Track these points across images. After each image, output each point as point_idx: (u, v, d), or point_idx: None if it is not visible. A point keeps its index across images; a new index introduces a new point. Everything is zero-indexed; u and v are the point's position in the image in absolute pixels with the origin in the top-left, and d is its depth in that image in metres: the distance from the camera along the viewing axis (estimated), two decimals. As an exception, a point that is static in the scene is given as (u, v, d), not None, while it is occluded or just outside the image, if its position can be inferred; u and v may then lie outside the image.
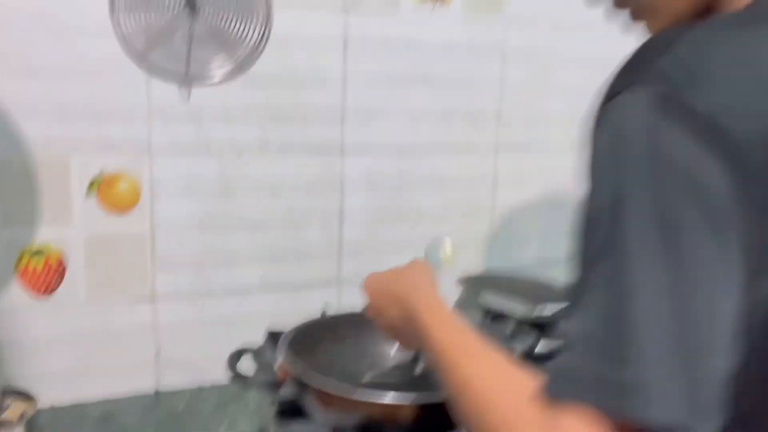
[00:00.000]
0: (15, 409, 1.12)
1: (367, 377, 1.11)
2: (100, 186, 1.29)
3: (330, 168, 1.46)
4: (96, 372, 1.34)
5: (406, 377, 1.13)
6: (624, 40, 1.65)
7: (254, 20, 1.32)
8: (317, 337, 1.10)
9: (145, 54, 1.25)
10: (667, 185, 0.41)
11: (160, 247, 1.35)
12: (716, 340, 0.42)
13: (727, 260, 0.42)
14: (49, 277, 1.28)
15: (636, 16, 0.64)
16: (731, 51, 0.44)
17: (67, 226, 1.27)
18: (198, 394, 1.39)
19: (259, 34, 1.32)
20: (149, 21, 1.25)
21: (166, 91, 1.29)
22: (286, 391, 1.00)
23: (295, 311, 1.48)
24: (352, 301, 1.53)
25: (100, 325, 1.33)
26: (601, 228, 0.44)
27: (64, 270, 1.28)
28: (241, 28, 1.31)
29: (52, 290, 1.29)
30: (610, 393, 0.42)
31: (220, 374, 1.44)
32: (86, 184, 1.28)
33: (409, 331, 0.79)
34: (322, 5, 1.38)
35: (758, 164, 0.42)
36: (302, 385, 0.93)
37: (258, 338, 1.42)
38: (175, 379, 1.40)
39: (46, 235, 1.26)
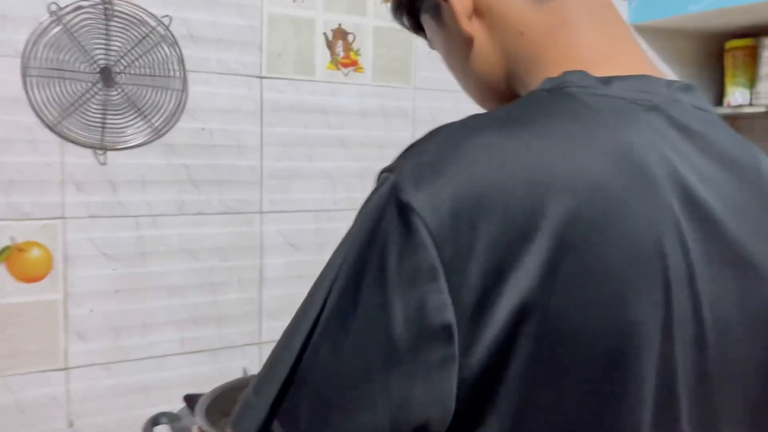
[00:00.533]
0: None
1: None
2: (10, 255, 1.26)
3: (249, 230, 1.49)
4: (3, 448, 1.28)
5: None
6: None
7: (170, 88, 1.36)
8: (234, 399, 1.10)
9: (59, 122, 1.26)
10: (369, 264, 0.45)
11: (74, 315, 1.33)
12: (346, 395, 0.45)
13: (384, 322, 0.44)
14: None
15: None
16: (460, 161, 0.46)
17: (-25, 296, 1.24)
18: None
19: (175, 101, 1.36)
20: (63, 90, 1.26)
21: (80, 158, 1.30)
22: (205, 457, 1.00)
23: (215, 374, 1.48)
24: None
25: (9, 398, 1.28)
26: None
27: (-30, 342, 1.24)
28: (158, 96, 1.35)
29: (-43, 364, 1.24)
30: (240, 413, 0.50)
31: (136, 442, 1.41)
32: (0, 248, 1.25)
33: None
34: (238, 71, 1.43)
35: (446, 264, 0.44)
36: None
37: (176, 403, 1.40)
38: (89, 451, 1.36)
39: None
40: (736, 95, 1.83)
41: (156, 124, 1.35)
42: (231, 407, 1.08)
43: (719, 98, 1.92)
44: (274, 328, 1.54)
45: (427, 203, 0.44)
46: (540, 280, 0.43)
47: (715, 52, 1.91)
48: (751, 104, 1.80)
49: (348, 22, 1.54)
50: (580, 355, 0.44)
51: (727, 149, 0.53)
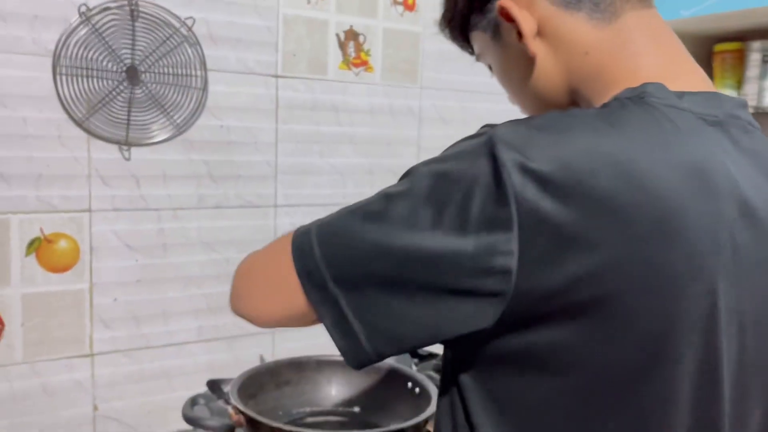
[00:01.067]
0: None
1: (309, 419, 1.19)
2: (40, 246, 1.32)
3: (264, 223, 1.55)
4: (34, 430, 1.34)
5: (346, 417, 1.22)
6: None
7: (192, 86, 1.41)
8: (262, 383, 1.17)
9: (87, 118, 1.31)
10: (452, 198, 0.52)
11: (98, 304, 1.38)
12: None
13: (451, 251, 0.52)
14: (-16, 336, 1.28)
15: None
16: (552, 144, 0.52)
17: (6, 286, 1.29)
18: (136, 447, 1.41)
19: (196, 99, 1.42)
20: (91, 87, 1.31)
21: (106, 153, 1.36)
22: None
23: (231, 360, 1.55)
24: (287, 347, 1.61)
25: (37, 384, 1.34)
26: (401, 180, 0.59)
27: (2, 329, 1.29)
28: (180, 94, 1.40)
29: (-13, 350, 1.29)
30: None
31: (157, 427, 1.48)
32: (26, 244, 1.30)
33: None
34: (255, 70, 1.49)
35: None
36: (255, 428, 1.00)
37: (195, 389, 1.46)
38: (112, 434, 1.42)
39: (-16, 294, 1.27)
40: (724, 96, 1.92)
41: (178, 121, 1.41)
42: (257, 391, 1.15)
43: (707, 99, 2.00)
44: (287, 317, 1.60)
45: (518, 165, 0.50)
46: (600, 261, 0.49)
47: (705, 55, 2.00)
48: (737, 105, 1.89)
49: (359, 24, 1.60)
50: (627, 330, 0.51)
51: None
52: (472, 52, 0.76)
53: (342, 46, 1.59)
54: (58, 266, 1.34)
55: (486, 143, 0.52)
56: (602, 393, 0.53)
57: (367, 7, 1.61)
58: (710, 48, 1.96)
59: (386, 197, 0.56)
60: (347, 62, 1.60)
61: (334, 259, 0.58)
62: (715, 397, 0.56)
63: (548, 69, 0.65)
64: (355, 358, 0.58)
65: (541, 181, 0.50)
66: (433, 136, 1.75)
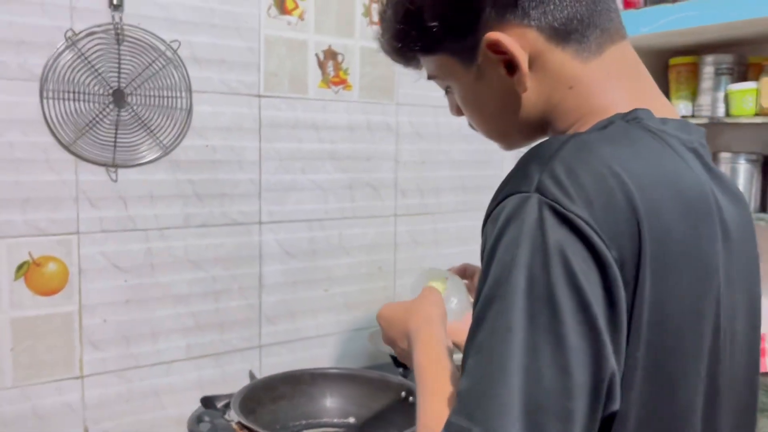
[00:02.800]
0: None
1: (305, 431, 1.23)
2: (29, 269, 1.32)
3: (248, 240, 1.58)
4: (23, 456, 1.33)
5: (342, 428, 1.25)
6: None
7: (177, 107, 1.44)
8: (259, 398, 1.20)
9: (74, 141, 1.32)
10: (552, 270, 0.49)
11: (88, 325, 1.39)
12: (567, 409, 0.48)
13: (589, 337, 0.49)
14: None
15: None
16: (594, 170, 0.53)
17: (-5, 310, 1.29)
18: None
19: (182, 119, 1.44)
20: (77, 110, 1.33)
21: (93, 175, 1.37)
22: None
23: (219, 377, 1.57)
24: (272, 362, 1.63)
25: (28, 408, 1.33)
26: (493, 296, 0.52)
27: (-9, 354, 1.29)
28: (166, 115, 1.42)
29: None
30: None
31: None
32: (14, 268, 1.30)
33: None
34: (238, 90, 1.52)
35: (614, 264, 0.52)
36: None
37: (186, 406, 1.48)
38: (104, 455, 1.42)
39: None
40: (680, 107, 2.03)
41: (164, 142, 1.42)
42: (255, 406, 1.18)
43: (665, 110, 2.11)
44: (272, 332, 1.63)
45: (585, 211, 0.50)
46: (650, 282, 0.53)
47: (661, 68, 2.10)
48: (693, 116, 2.00)
49: (337, 44, 1.65)
50: (676, 326, 0.55)
51: (726, 182, 0.66)
52: (412, 67, 0.74)
53: (321, 65, 1.63)
54: (47, 289, 1.34)
55: (540, 208, 0.53)
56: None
57: (345, 27, 1.66)
58: (666, 61, 2.07)
59: None
60: (326, 81, 1.64)
61: None
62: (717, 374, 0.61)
63: (530, 102, 0.66)
64: None
65: (608, 218, 0.52)
66: (409, 151, 1.80)
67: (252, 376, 1.41)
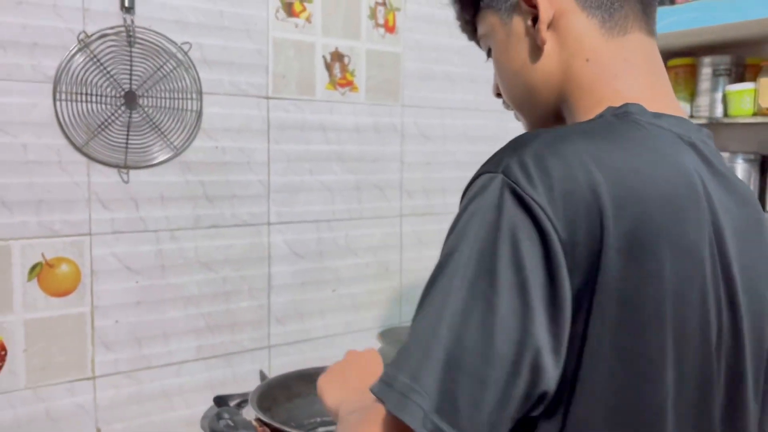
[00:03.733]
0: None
1: (320, 428, 1.24)
2: (41, 271, 1.32)
3: (258, 241, 1.59)
4: (37, 457, 1.33)
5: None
6: (501, 118, 1.99)
7: (188, 109, 1.45)
8: (275, 396, 1.20)
9: (86, 143, 1.33)
10: (500, 245, 0.53)
11: (100, 326, 1.39)
12: (483, 374, 0.51)
13: (520, 312, 0.52)
14: (-14, 363, 1.28)
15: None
16: (562, 160, 0.55)
17: (9, 312, 1.29)
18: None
19: (192, 121, 1.45)
20: (90, 112, 1.33)
21: (105, 176, 1.37)
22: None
23: (229, 377, 1.57)
24: (282, 362, 1.64)
25: (41, 409, 1.34)
26: (443, 262, 0.56)
27: (5, 356, 1.29)
28: (176, 117, 1.43)
29: (-12, 378, 1.28)
30: (393, 394, 0.54)
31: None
32: (27, 269, 1.31)
33: None
34: (247, 92, 1.53)
35: (560, 249, 0.54)
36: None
37: (197, 407, 1.48)
38: (116, 456, 1.42)
39: (-15, 322, 1.27)
40: (679, 108, 2.06)
41: (175, 144, 1.43)
42: (271, 404, 1.18)
43: (663, 111, 2.14)
44: (282, 333, 1.64)
45: (544, 196, 0.53)
46: (619, 267, 0.54)
47: (659, 70, 2.14)
48: (692, 116, 2.03)
49: (344, 46, 1.66)
50: (645, 319, 0.56)
51: (734, 182, 0.68)
52: (470, 32, 0.79)
53: (328, 67, 1.64)
54: (59, 290, 1.34)
55: (502, 188, 0.56)
56: None
57: (351, 29, 1.68)
58: (664, 63, 2.10)
59: None
60: (333, 83, 1.66)
61: None
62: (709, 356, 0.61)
63: (549, 64, 0.69)
64: None
65: (565, 206, 0.54)
66: (415, 152, 1.82)
67: (263, 376, 1.41)
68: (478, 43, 0.81)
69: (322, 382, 0.88)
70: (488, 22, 0.74)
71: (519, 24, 0.70)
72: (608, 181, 0.55)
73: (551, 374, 0.54)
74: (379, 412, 0.55)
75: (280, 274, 1.63)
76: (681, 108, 0.70)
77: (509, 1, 0.71)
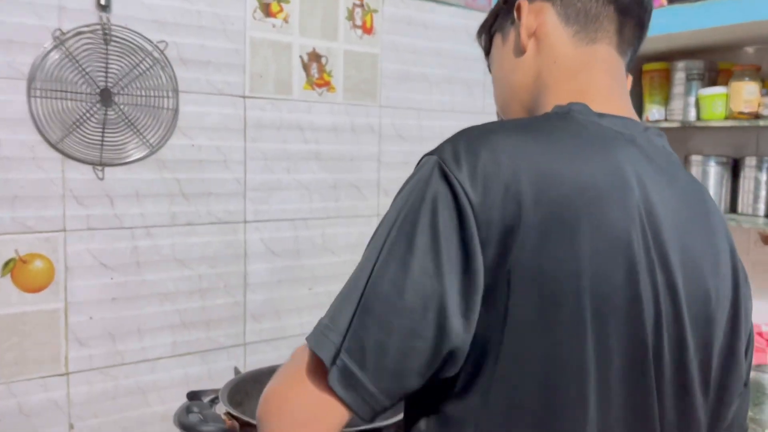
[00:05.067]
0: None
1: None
2: (15, 266, 1.32)
3: (234, 238, 1.60)
4: (9, 452, 1.33)
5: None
6: (477, 119, 2.02)
7: (164, 107, 1.46)
8: (247, 391, 1.22)
9: (61, 140, 1.34)
10: (421, 213, 0.60)
11: (74, 323, 1.40)
12: (390, 322, 0.59)
13: (430, 273, 0.59)
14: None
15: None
16: (491, 149, 0.62)
17: (-18, 307, 1.29)
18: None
19: (168, 119, 1.46)
20: (65, 109, 1.34)
21: (80, 173, 1.38)
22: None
23: (204, 374, 1.58)
24: (257, 359, 1.65)
25: (13, 404, 1.34)
26: (377, 227, 0.65)
27: (-23, 351, 1.29)
28: (152, 115, 1.44)
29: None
30: (314, 334, 0.63)
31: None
32: (1, 264, 1.31)
33: None
34: (224, 91, 1.54)
35: (474, 224, 0.60)
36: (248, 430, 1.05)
37: (170, 403, 1.49)
38: (89, 452, 1.43)
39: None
40: (653, 111, 2.09)
41: (151, 141, 1.44)
42: (243, 398, 1.19)
43: (639, 114, 2.18)
44: (257, 330, 1.65)
45: (466, 175, 0.60)
46: (535, 244, 0.59)
47: (635, 74, 2.17)
48: (666, 119, 2.06)
49: (321, 46, 1.68)
50: (559, 305, 0.60)
51: (678, 177, 0.71)
52: (485, 52, 0.88)
53: (305, 67, 1.66)
54: (33, 286, 1.35)
55: (434, 167, 0.64)
56: None
57: (329, 30, 1.69)
58: (639, 68, 2.13)
59: None
60: (311, 83, 1.67)
61: None
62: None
63: (527, 67, 0.77)
64: None
65: (484, 187, 0.61)
66: (392, 152, 1.84)
67: (237, 372, 1.42)
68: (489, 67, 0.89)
69: None
70: (495, 42, 0.84)
71: (511, 35, 0.80)
72: (531, 167, 0.61)
73: (459, 334, 0.60)
74: (305, 351, 0.64)
75: (257, 272, 1.64)
76: (632, 111, 0.75)
77: (509, 17, 0.80)
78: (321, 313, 0.66)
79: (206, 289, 1.57)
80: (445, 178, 0.61)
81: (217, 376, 1.59)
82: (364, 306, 0.61)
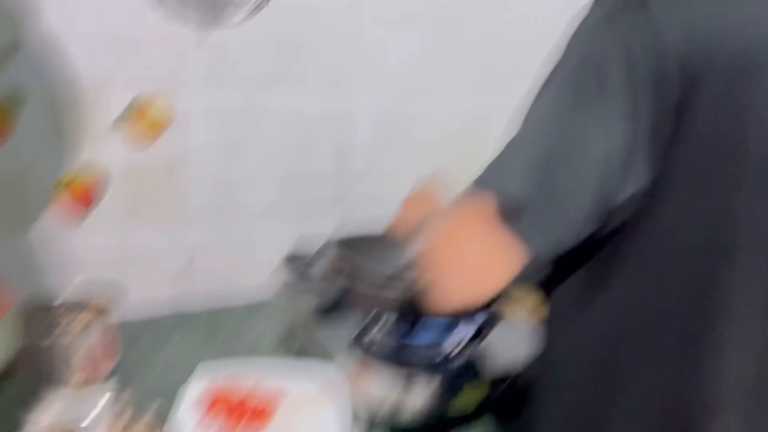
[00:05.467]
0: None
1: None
2: (129, 118, 1.37)
3: (341, 99, 1.59)
4: (132, 284, 1.44)
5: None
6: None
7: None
8: (354, 247, 1.23)
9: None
10: (588, 66, 0.60)
11: (184, 175, 1.46)
12: (576, 175, 0.60)
13: (607, 126, 0.59)
14: (88, 197, 1.37)
15: None
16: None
17: (103, 150, 1.36)
18: (227, 302, 1.53)
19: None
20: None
21: (190, 31, 1.38)
22: (329, 292, 1.16)
23: (308, 230, 1.62)
24: (358, 218, 1.67)
25: (137, 241, 1.45)
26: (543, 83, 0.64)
27: (101, 191, 1.38)
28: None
29: (90, 210, 1.38)
30: (488, 177, 0.64)
31: (245, 282, 1.57)
32: (116, 116, 1.36)
33: None
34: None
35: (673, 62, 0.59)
36: (352, 278, 1.08)
37: (276, 253, 1.55)
38: (204, 288, 1.54)
39: (86, 157, 1.35)
40: None
41: (259, -5, 1.41)
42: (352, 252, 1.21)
43: None
44: (361, 190, 1.68)
45: (667, 23, 0.58)
46: (724, 88, 0.58)
47: None
48: None
49: None
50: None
51: None
52: None
53: None
54: (152, 132, 1.40)
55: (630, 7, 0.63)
56: None
57: None
58: None
59: None
60: None
61: None
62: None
63: None
64: None
65: (686, 40, 0.60)
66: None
67: (339, 230, 1.45)
68: None
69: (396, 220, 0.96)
70: None
71: None
72: (729, 16, 0.59)
73: (642, 178, 0.60)
74: (476, 198, 0.64)
75: (363, 134, 1.64)
76: None
77: None
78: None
79: (312, 147, 1.58)
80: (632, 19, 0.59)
81: (318, 231, 1.62)
82: (549, 148, 0.60)
